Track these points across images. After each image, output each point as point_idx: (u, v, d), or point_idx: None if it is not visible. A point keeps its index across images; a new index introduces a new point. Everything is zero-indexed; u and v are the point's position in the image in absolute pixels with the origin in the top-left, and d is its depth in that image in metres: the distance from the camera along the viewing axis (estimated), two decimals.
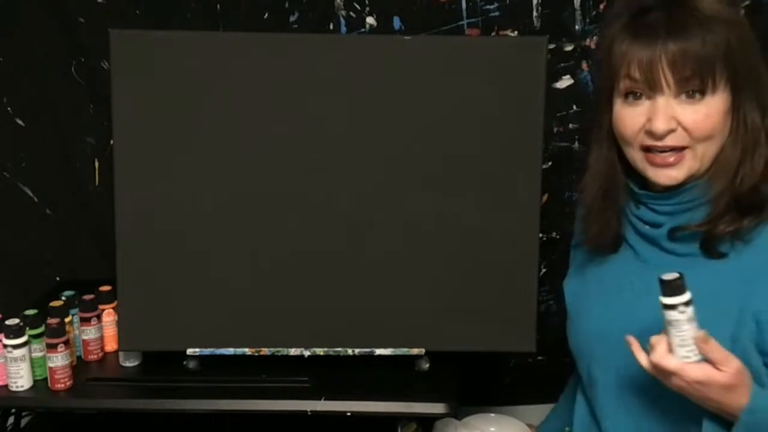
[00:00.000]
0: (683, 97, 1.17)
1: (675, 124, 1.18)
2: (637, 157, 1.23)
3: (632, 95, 1.20)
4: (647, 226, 1.26)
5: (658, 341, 1.11)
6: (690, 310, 1.09)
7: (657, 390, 1.18)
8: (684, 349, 1.09)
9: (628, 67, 1.18)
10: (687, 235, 1.22)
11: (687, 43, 1.15)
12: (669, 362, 1.10)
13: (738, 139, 1.20)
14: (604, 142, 1.27)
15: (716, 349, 1.08)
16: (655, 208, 1.25)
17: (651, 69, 1.16)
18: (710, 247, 1.20)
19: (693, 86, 1.17)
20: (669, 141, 1.19)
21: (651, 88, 1.18)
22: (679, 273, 1.09)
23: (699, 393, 1.11)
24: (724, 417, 1.13)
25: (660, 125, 1.17)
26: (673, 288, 1.09)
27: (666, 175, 1.21)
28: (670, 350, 1.10)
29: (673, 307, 1.09)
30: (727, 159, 1.20)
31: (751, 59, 1.19)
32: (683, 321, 1.09)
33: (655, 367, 1.11)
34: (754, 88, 1.19)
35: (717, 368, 1.08)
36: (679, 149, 1.19)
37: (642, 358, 1.13)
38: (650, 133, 1.19)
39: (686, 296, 1.09)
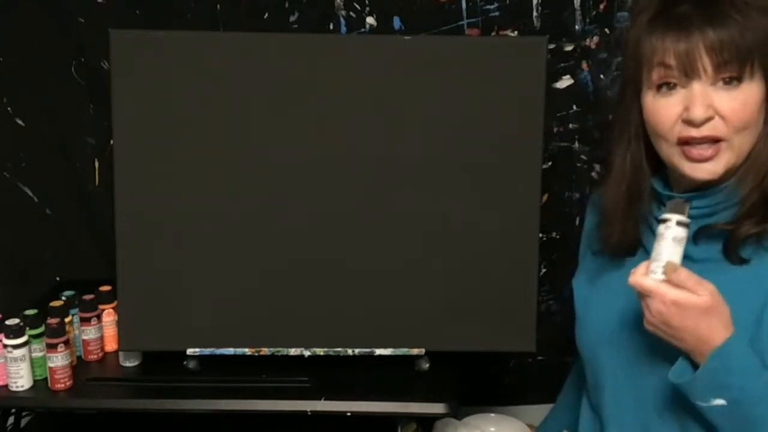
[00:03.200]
0: (720, 84, 1.13)
1: (712, 112, 1.13)
2: (672, 152, 1.17)
3: (666, 86, 1.15)
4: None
5: (641, 264, 1.11)
6: (678, 231, 1.09)
7: (665, 398, 1.17)
8: (655, 264, 1.09)
9: (663, 55, 1.14)
10: (708, 238, 1.18)
11: (725, 30, 1.11)
12: (645, 282, 1.09)
13: None
14: (632, 140, 1.22)
15: (685, 276, 1.07)
16: None
17: (688, 55, 1.12)
18: (733, 250, 1.16)
19: (731, 72, 1.12)
20: (706, 130, 1.13)
21: (687, 74, 1.13)
22: (687, 199, 1.12)
23: (676, 319, 1.08)
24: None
25: (699, 112, 1.12)
26: (674, 206, 1.11)
27: (704, 170, 1.16)
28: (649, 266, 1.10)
29: (663, 221, 1.10)
30: (759, 154, 1.16)
31: None
32: (665, 237, 1.10)
33: (633, 286, 1.10)
34: None
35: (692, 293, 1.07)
36: (715, 141, 1.14)
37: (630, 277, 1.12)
38: (688, 122, 1.14)
39: (681, 217, 1.10)
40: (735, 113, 1.13)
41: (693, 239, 1.18)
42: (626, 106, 1.22)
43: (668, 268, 1.08)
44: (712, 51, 1.11)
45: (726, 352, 1.07)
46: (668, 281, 1.08)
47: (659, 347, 1.16)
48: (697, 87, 1.13)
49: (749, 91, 1.13)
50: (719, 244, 1.18)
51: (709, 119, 1.13)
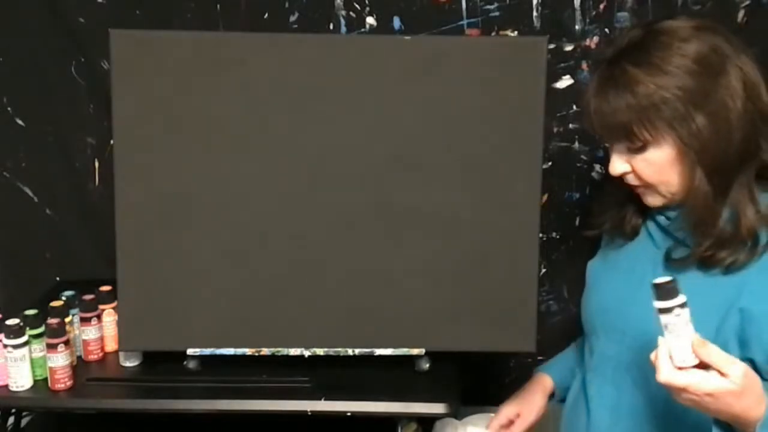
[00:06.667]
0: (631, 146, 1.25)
1: (628, 167, 1.26)
2: None
3: None
4: (662, 217, 1.31)
5: (659, 358, 1.09)
6: (685, 312, 1.08)
7: (644, 373, 1.23)
8: (683, 353, 1.07)
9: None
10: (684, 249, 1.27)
11: (604, 105, 1.23)
12: (677, 380, 1.07)
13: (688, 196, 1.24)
14: None
15: (715, 353, 1.07)
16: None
17: (589, 124, 1.27)
18: (709, 265, 1.24)
19: (628, 143, 1.24)
20: (629, 180, 1.28)
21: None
22: (672, 277, 1.09)
23: (710, 405, 1.08)
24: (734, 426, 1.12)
25: (612, 169, 1.28)
26: (666, 291, 1.08)
27: (648, 201, 1.30)
28: (670, 356, 1.08)
29: (668, 310, 1.08)
30: (695, 195, 1.23)
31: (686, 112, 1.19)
32: (680, 324, 1.08)
33: (666, 384, 1.09)
34: (698, 141, 1.19)
35: (723, 375, 1.06)
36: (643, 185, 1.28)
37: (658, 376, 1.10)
38: None
39: (680, 299, 1.08)
40: (642, 172, 1.25)
41: (665, 258, 1.29)
42: None
43: (696, 344, 1.06)
44: (598, 125, 1.25)
45: None
46: (699, 360, 1.07)
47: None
48: (615, 148, 1.27)
49: (656, 154, 1.22)
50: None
51: (626, 173, 1.27)
